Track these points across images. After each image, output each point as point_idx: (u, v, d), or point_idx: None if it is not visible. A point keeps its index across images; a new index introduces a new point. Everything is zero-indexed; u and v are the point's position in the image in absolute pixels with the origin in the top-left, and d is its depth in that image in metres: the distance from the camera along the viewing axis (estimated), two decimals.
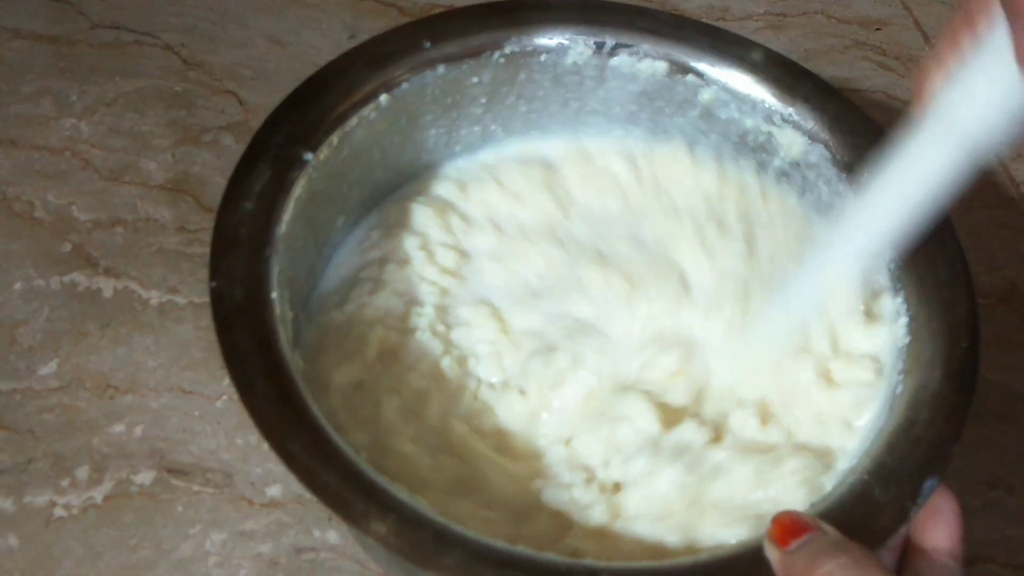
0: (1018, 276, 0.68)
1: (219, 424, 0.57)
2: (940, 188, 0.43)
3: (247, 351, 0.42)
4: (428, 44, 0.54)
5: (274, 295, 0.44)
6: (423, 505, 0.40)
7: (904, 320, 0.48)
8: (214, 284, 0.43)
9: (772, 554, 0.38)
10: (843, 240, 0.47)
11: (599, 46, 0.56)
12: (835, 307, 0.49)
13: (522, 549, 0.39)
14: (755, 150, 0.57)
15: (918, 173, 0.43)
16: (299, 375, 0.43)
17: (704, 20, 0.82)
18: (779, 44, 0.81)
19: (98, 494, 0.54)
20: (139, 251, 0.63)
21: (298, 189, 0.48)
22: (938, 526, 0.41)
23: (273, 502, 0.54)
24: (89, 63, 0.74)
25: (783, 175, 0.56)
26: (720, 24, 0.82)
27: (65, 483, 0.54)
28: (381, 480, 0.40)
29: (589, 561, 0.40)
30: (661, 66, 0.56)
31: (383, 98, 0.53)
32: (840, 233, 0.47)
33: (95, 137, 0.69)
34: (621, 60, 0.56)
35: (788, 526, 0.38)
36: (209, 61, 0.75)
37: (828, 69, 0.80)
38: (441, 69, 0.54)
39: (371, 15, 0.79)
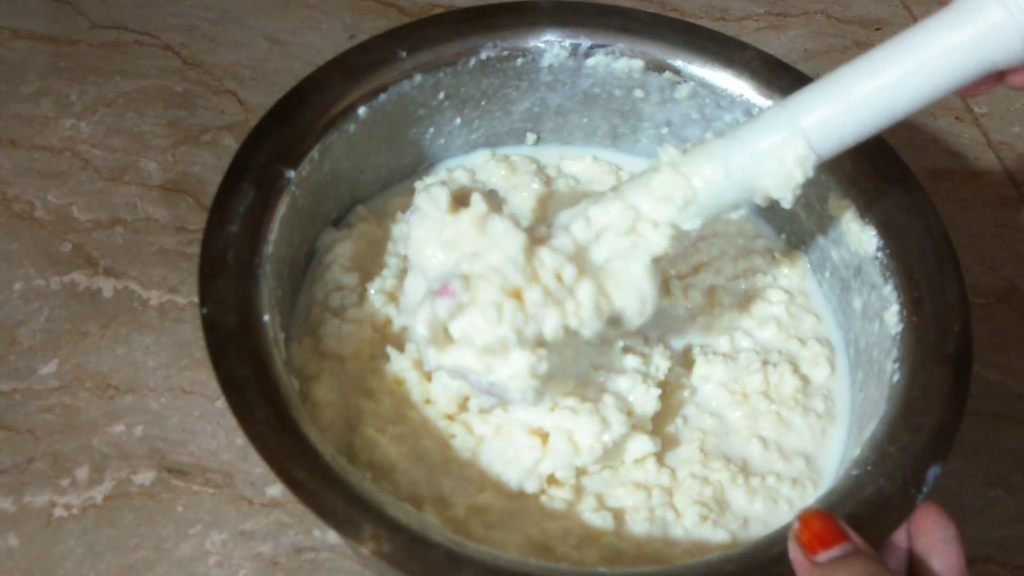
0: (1018, 276, 0.68)
1: (219, 424, 0.57)
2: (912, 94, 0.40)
3: (244, 377, 0.42)
4: (404, 54, 0.54)
5: (266, 318, 0.44)
6: (432, 524, 0.40)
7: (895, 308, 0.48)
8: (205, 311, 0.43)
9: (799, 559, 0.37)
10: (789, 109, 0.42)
11: (575, 47, 0.56)
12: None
13: (535, 562, 0.39)
14: None
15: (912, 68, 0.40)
16: (297, 398, 0.42)
17: (704, 20, 0.82)
18: (779, 44, 0.81)
19: (98, 494, 0.54)
20: (139, 251, 0.63)
21: (282, 208, 0.48)
22: (942, 558, 0.39)
23: (273, 502, 0.54)
24: (89, 63, 0.74)
25: None
26: (720, 24, 0.82)
27: (65, 483, 0.54)
28: (388, 500, 0.40)
29: (602, 570, 0.40)
30: (637, 64, 0.56)
31: (361, 110, 0.53)
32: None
33: (95, 137, 0.69)
34: (597, 60, 0.56)
35: (819, 533, 0.37)
36: (209, 61, 0.75)
37: (828, 69, 0.80)
38: (418, 78, 0.54)
39: (371, 15, 0.79)
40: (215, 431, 0.56)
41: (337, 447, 0.43)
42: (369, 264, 0.54)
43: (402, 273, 0.53)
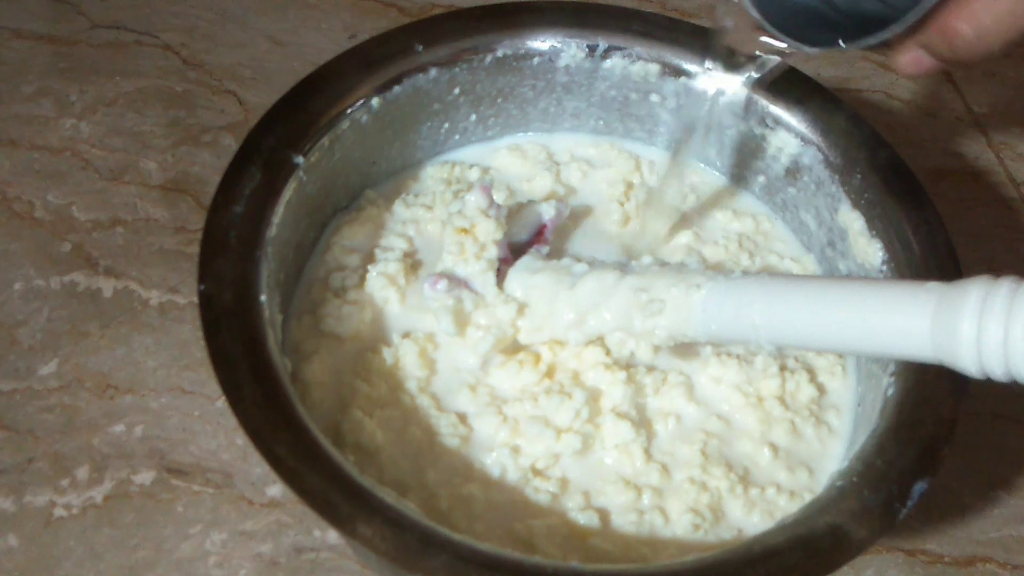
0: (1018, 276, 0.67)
1: (219, 424, 0.57)
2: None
3: (235, 354, 0.42)
4: (420, 47, 0.54)
5: (263, 298, 0.44)
6: (410, 508, 0.40)
7: None
8: (203, 287, 0.43)
9: None
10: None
11: (592, 49, 0.56)
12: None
13: (508, 552, 0.39)
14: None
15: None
16: (287, 378, 0.43)
17: (704, 20, 0.82)
18: None
19: (98, 494, 0.54)
20: (139, 251, 0.63)
21: (288, 192, 0.48)
22: None
23: (273, 502, 0.54)
24: (89, 63, 0.74)
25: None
26: None
27: (65, 483, 0.54)
28: (368, 483, 0.40)
29: (574, 564, 0.40)
30: (654, 68, 0.56)
31: (375, 101, 0.53)
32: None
33: (95, 137, 0.69)
34: (614, 63, 0.56)
35: None
36: (209, 61, 0.75)
37: (828, 69, 0.80)
38: (433, 72, 0.54)
39: (371, 15, 0.80)
40: (215, 431, 0.56)
41: (324, 427, 0.43)
42: (373, 246, 0.54)
43: (405, 257, 0.53)
